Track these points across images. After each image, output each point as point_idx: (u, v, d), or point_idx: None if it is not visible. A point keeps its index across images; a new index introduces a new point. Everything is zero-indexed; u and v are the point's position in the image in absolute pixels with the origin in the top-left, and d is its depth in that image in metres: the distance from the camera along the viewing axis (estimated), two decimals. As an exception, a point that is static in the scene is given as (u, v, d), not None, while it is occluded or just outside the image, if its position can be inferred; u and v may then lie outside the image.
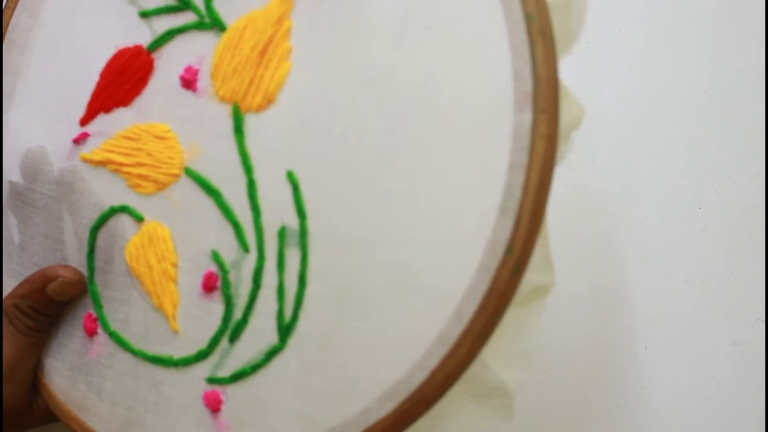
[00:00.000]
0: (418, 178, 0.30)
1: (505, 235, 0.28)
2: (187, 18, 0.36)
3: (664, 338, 0.45)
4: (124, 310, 0.37)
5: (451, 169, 0.30)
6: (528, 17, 0.29)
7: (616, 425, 0.45)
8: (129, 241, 0.36)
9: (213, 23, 0.35)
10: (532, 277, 0.29)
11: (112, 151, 0.37)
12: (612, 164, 0.46)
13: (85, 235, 0.38)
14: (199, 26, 0.35)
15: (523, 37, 0.29)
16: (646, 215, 0.46)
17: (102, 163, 0.37)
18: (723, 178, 0.46)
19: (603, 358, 0.46)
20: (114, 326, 0.37)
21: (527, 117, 0.28)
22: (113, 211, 0.37)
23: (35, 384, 0.39)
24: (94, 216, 0.37)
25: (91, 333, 0.38)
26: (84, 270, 0.38)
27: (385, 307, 0.30)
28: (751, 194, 0.45)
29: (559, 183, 0.45)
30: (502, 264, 0.28)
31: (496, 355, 0.30)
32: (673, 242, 0.46)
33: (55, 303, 0.38)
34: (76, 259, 0.38)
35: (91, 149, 0.38)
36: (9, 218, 0.41)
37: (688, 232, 0.46)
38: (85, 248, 0.38)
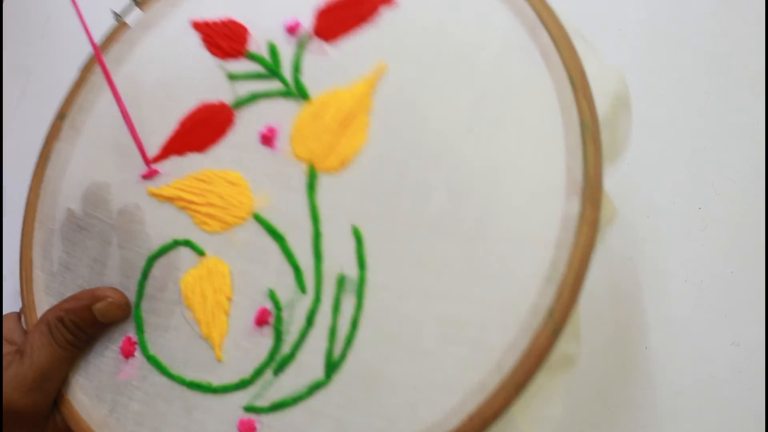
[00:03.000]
0: (473, 247, 0.35)
1: (548, 301, 0.33)
2: (273, 85, 0.41)
3: (665, 338, 0.45)
4: (168, 336, 0.39)
5: (505, 241, 0.34)
6: (583, 125, 0.35)
7: (616, 425, 0.44)
8: (187, 272, 0.39)
9: (298, 93, 0.40)
10: (562, 346, 0.34)
11: (182, 190, 0.41)
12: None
13: (140, 263, 0.40)
14: (285, 94, 0.40)
15: (577, 141, 0.35)
16: (646, 215, 0.47)
17: (170, 199, 0.41)
18: (723, 178, 0.46)
19: (603, 358, 0.45)
20: (153, 351, 0.39)
21: (576, 205, 0.34)
22: (176, 244, 0.40)
23: (57, 399, 0.40)
24: (153, 246, 0.40)
25: (128, 355, 0.40)
26: (132, 295, 0.40)
27: (431, 353, 0.34)
28: (751, 194, 0.46)
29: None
30: (543, 325, 0.33)
31: (522, 412, 0.34)
32: (673, 242, 0.46)
33: (98, 323, 0.40)
34: (122, 284, 0.41)
35: (160, 186, 0.41)
36: (59, 242, 0.43)
37: (688, 232, 0.46)
38: (137, 275, 0.40)
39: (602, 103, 0.36)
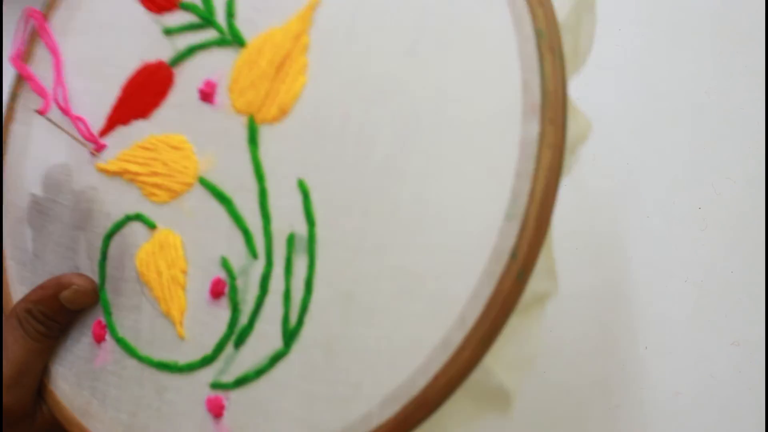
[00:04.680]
0: (427, 186, 0.31)
1: (510, 242, 0.29)
2: (208, 35, 0.37)
3: (664, 338, 0.45)
4: (133, 317, 0.37)
5: (459, 177, 0.30)
6: (538, 33, 0.30)
7: (616, 425, 0.45)
8: (140, 248, 0.37)
9: (234, 39, 0.36)
10: (535, 285, 0.30)
11: (128, 161, 0.38)
12: (612, 164, 0.47)
13: (98, 243, 0.38)
14: (221, 43, 0.37)
15: (532, 52, 0.30)
16: (646, 215, 0.46)
17: (118, 173, 0.38)
18: (723, 178, 0.46)
19: (603, 358, 0.46)
20: (122, 333, 0.37)
21: (535, 127, 0.29)
22: (128, 219, 0.38)
23: (41, 390, 0.40)
24: (108, 224, 0.38)
25: (99, 339, 0.38)
26: (96, 277, 0.38)
27: (389, 312, 0.31)
28: (751, 194, 0.45)
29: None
30: (507, 270, 0.29)
31: (497, 359, 0.30)
32: (673, 242, 0.46)
33: (67, 311, 0.38)
34: (88, 267, 0.39)
35: (108, 160, 0.39)
36: (26, 229, 0.41)
37: (688, 232, 0.46)
38: (97, 256, 0.38)
39: (562, 7, 0.31)
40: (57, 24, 0.42)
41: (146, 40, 0.39)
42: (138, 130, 0.38)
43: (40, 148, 0.42)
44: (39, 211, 0.41)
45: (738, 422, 0.43)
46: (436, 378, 0.29)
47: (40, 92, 0.41)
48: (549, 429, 0.46)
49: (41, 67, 0.42)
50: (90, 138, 0.39)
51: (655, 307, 0.46)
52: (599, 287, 0.46)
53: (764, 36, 0.47)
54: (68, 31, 0.42)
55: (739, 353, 0.44)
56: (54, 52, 0.42)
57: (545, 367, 0.45)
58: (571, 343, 0.46)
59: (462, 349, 0.29)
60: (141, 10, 0.40)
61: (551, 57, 0.30)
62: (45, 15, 0.42)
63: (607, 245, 0.42)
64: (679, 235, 0.46)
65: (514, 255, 0.29)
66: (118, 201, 0.38)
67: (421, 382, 0.30)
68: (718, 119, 0.47)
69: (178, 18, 0.38)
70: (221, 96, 0.36)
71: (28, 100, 0.43)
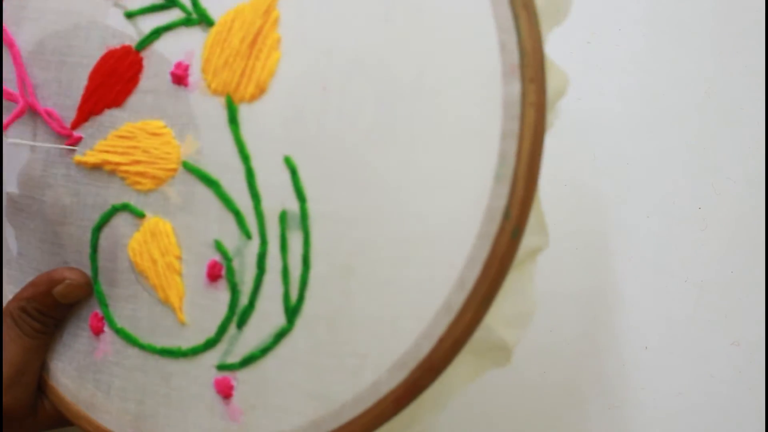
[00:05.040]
0: (413, 153, 0.31)
1: (501, 202, 0.29)
2: (173, 15, 0.36)
3: (664, 338, 0.45)
4: (130, 307, 0.37)
5: (445, 142, 0.31)
6: (510, -9, 0.30)
7: (616, 425, 0.45)
8: (131, 238, 0.37)
9: (200, 18, 0.36)
10: (527, 240, 0.30)
11: (107, 152, 0.37)
12: (612, 164, 0.47)
13: (86, 237, 0.38)
14: (187, 22, 0.36)
15: (507, 11, 0.30)
16: (646, 215, 0.47)
17: (98, 165, 0.38)
18: (723, 178, 0.46)
19: (603, 358, 0.46)
20: (121, 323, 0.37)
21: (516, 87, 0.29)
22: (115, 210, 0.37)
23: (41, 387, 0.40)
24: (95, 217, 0.38)
25: (98, 332, 0.38)
26: (87, 270, 0.38)
27: (389, 281, 0.31)
28: (751, 194, 0.46)
29: (559, 183, 0.46)
30: (501, 229, 0.29)
31: (496, 317, 0.31)
32: (673, 242, 0.46)
33: (61, 305, 0.38)
34: (76, 261, 0.39)
35: (85, 152, 0.38)
36: (7, 228, 0.41)
37: (688, 232, 0.46)
38: (87, 249, 0.38)
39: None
40: (9, 13, 0.41)
41: (107, 25, 0.38)
42: (112, 119, 0.38)
43: (12, 146, 0.41)
44: (17, 209, 0.40)
45: (738, 422, 0.44)
46: (441, 341, 0.30)
47: (10, 97, 0.40)
48: (549, 429, 0.47)
49: None
50: (63, 131, 0.39)
51: (655, 307, 0.46)
52: (599, 287, 0.47)
53: (764, 36, 0.47)
54: (21, 20, 0.41)
55: (739, 353, 0.45)
56: (10, 44, 0.41)
57: (545, 367, 0.46)
58: (571, 342, 0.46)
59: (463, 311, 0.30)
60: (99, -6, 0.39)
61: (526, 15, 0.30)
62: None
63: (607, 245, 0.42)
64: (679, 235, 0.46)
65: (507, 215, 0.29)
66: (101, 192, 0.38)
67: (427, 347, 0.30)
68: (718, 119, 0.47)
69: (139, 0, 0.38)
70: (194, 77, 0.36)
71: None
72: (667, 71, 0.48)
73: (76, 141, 0.38)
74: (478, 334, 0.31)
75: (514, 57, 0.30)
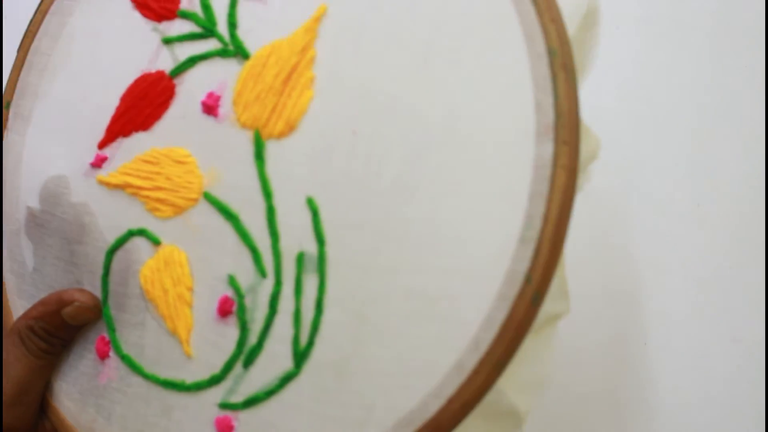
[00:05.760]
0: (439, 207, 0.30)
1: (524, 265, 0.29)
2: (210, 45, 0.36)
3: (665, 336, 0.45)
4: (137, 334, 0.37)
5: (471, 198, 0.30)
6: (551, 52, 0.29)
7: (616, 424, 0.45)
8: (144, 265, 0.36)
9: (236, 51, 0.35)
10: (548, 306, 0.29)
11: (130, 175, 0.37)
12: (612, 164, 0.46)
13: (100, 258, 0.38)
14: (223, 53, 0.36)
15: (545, 71, 0.29)
16: (646, 213, 0.46)
17: (119, 187, 0.37)
18: (722, 176, 0.46)
19: (604, 356, 0.46)
20: (126, 350, 0.37)
21: (549, 148, 0.29)
22: (131, 234, 0.37)
23: (44, 407, 0.39)
24: (110, 239, 0.37)
25: (103, 356, 0.37)
26: (98, 292, 0.38)
27: (402, 334, 0.30)
28: (750, 191, 0.45)
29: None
30: (521, 293, 0.28)
31: (508, 381, 0.30)
32: (672, 240, 0.46)
33: (69, 327, 0.38)
34: (89, 282, 0.38)
35: (108, 173, 0.38)
36: (25, 242, 0.41)
37: (688, 231, 0.46)
38: (99, 270, 0.38)
39: (571, 23, 0.30)
40: (48, 30, 0.41)
41: (144, 49, 0.38)
42: (139, 143, 0.38)
43: (36, 159, 0.41)
44: (37, 224, 0.40)
45: (738, 419, 0.43)
46: (450, 402, 0.29)
47: None
48: (549, 429, 0.46)
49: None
50: (90, 149, 0.38)
51: (655, 305, 0.46)
52: (598, 286, 0.46)
53: (764, 36, 0.47)
54: (60, 37, 0.41)
55: (739, 350, 0.44)
56: None
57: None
58: (572, 342, 0.46)
59: (476, 373, 0.29)
60: (137, 17, 0.39)
61: (564, 75, 0.29)
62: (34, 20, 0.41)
63: (607, 244, 0.42)
64: (678, 232, 0.46)
65: (528, 279, 0.28)
66: (119, 215, 0.37)
67: (434, 406, 0.29)
68: (718, 119, 0.47)
69: (177, 27, 0.38)
70: (225, 109, 0.35)
71: (20, 108, 0.42)
72: (667, 71, 0.47)
73: (102, 161, 0.38)
74: (489, 398, 0.30)
75: (549, 117, 0.29)
